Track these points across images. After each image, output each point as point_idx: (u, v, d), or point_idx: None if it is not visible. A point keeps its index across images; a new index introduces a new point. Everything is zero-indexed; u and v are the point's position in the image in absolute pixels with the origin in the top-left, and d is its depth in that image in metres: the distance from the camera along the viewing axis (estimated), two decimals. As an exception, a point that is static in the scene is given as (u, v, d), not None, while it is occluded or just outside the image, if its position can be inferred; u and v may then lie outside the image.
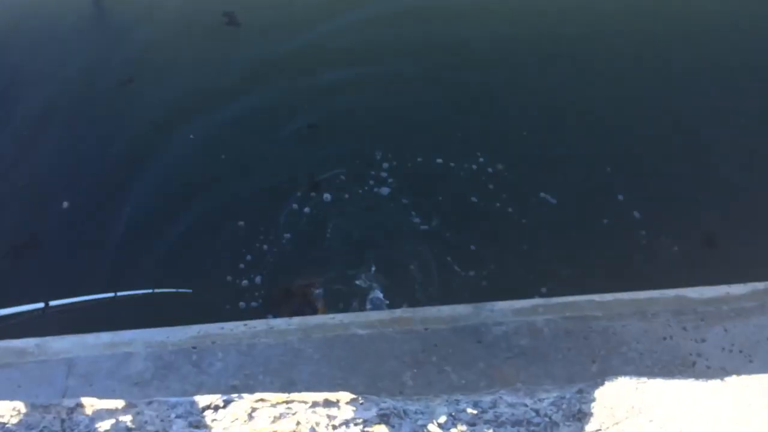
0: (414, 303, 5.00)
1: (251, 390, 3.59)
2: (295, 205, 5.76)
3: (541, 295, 4.86)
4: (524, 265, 5.33)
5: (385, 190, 5.84)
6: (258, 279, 5.43)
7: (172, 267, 5.41)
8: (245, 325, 3.85)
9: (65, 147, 6.15)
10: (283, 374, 3.66)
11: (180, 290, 4.47)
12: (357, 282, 5.17)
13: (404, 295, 5.08)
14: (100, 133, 6.22)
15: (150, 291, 4.15)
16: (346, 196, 5.84)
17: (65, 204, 5.49)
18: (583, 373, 3.76)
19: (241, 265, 5.48)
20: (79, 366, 3.59)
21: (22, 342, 3.71)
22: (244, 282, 5.45)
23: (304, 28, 7.05)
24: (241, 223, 5.60)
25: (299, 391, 3.59)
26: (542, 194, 5.84)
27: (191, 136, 6.08)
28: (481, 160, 6.08)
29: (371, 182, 5.89)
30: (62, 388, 3.53)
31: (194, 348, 3.68)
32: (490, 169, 6.03)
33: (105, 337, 3.72)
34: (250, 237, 5.60)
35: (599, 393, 1.99)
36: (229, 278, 5.46)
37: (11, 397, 3.35)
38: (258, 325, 3.84)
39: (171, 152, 6.14)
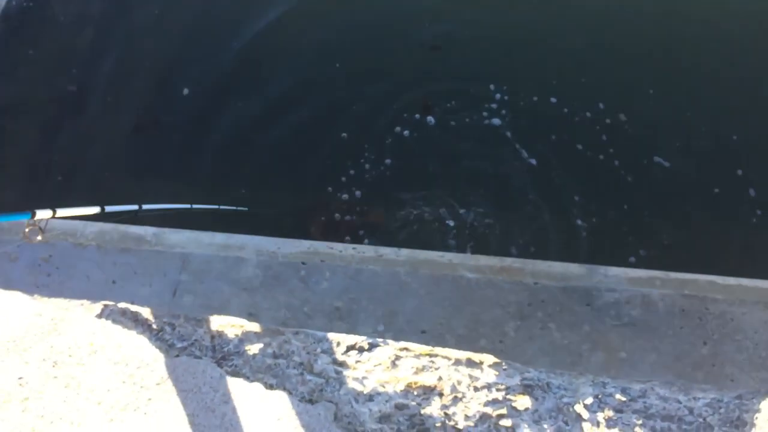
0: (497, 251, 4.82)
1: (354, 314, 3.61)
2: (399, 127, 5.58)
3: (640, 260, 4.64)
4: (623, 225, 5.07)
5: (496, 121, 5.60)
6: (344, 196, 5.25)
7: (266, 169, 5.37)
8: (354, 248, 3.82)
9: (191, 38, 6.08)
10: (387, 304, 3.65)
11: (239, 208, 4.46)
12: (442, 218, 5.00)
13: (487, 240, 4.90)
14: (224, 31, 6.11)
15: (216, 206, 4.15)
16: (454, 123, 5.60)
17: (185, 91, 5.51)
18: (691, 353, 3.62)
19: (329, 179, 5.33)
20: (192, 263, 3.65)
21: (141, 229, 3.79)
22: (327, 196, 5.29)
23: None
24: (344, 134, 5.47)
25: (399, 322, 3.59)
26: (656, 158, 5.49)
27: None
28: (601, 106, 5.71)
29: (483, 114, 5.63)
30: (174, 281, 3.62)
31: (303, 264, 3.68)
32: (608, 120, 5.68)
33: (219, 237, 3.76)
34: (349, 152, 5.46)
35: (765, 405, 1.85)
36: (311, 190, 5.33)
37: (128, 281, 3.45)
38: (367, 250, 3.81)
39: (286, 55, 6.00)
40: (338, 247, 3.84)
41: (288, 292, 3.64)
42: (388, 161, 5.29)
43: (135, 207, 3.05)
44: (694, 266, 4.02)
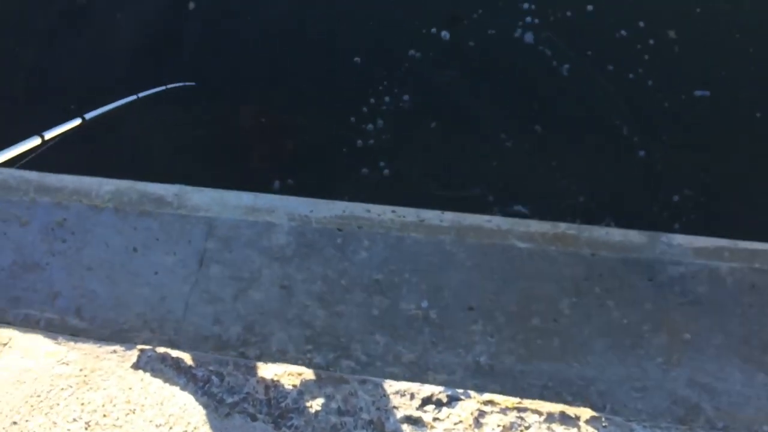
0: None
1: (395, 288, 3.32)
2: (419, 47, 5.05)
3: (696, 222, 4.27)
4: (678, 173, 4.65)
5: (528, 37, 5.05)
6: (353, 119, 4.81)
7: (275, 87, 4.94)
8: (393, 211, 3.48)
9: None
10: (431, 277, 3.35)
11: (186, 84, 4.12)
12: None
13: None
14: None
15: (164, 87, 3.75)
16: (478, 41, 5.05)
17: (191, 5, 5.01)
18: (761, 335, 3.34)
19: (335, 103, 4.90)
20: (219, 228, 3.34)
21: (160, 188, 3.46)
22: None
23: None
24: (357, 59, 4.97)
25: (445, 297, 3.31)
26: (697, 92, 4.94)
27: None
28: (641, 24, 5.11)
29: (515, 28, 5.05)
30: (200, 249, 3.31)
31: (339, 230, 3.36)
32: (651, 41, 5.08)
33: (246, 198, 3.42)
34: (364, 77, 4.97)
35: None
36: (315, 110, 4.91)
37: (150, 249, 3.16)
38: (408, 214, 3.47)
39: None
40: (376, 210, 3.50)
41: (324, 263, 3.34)
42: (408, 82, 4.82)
43: (78, 120, 2.64)
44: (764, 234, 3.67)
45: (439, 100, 4.91)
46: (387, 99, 4.79)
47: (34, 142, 2.23)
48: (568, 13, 5.06)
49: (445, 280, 3.36)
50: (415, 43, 5.03)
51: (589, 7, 5.12)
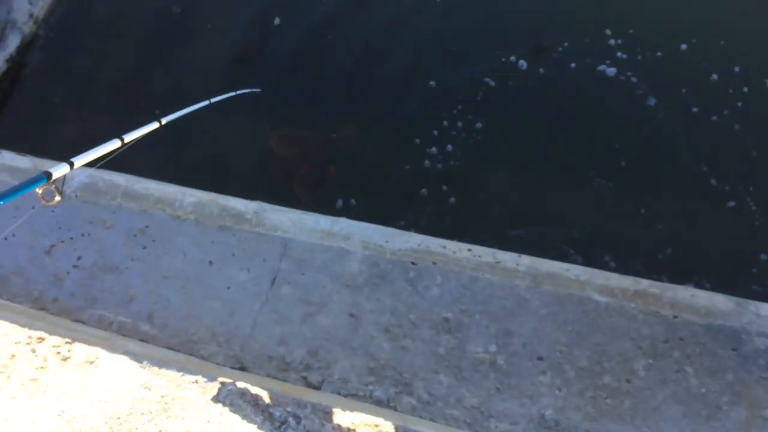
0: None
1: (464, 329, 3.25)
2: (497, 74, 4.96)
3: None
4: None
5: (612, 73, 4.91)
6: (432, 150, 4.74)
7: (349, 109, 4.95)
8: (469, 250, 3.41)
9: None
10: (501, 321, 3.26)
11: (253, 90, 4.27)
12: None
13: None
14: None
15: (234, 93, 3.86)
16: (564, 70, 4.94)
17: (277, 20, 5.11)
18: None
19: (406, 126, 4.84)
20: (294, 250, 3.34)
21: (240, 204, 3.49)
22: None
23: None
24: (432, 83, 4.93)
25: (514, 344, 3.21)
26: None
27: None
28: (736, 70, 4.89)
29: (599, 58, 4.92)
30: (274, 268, 3.32)
31: (413, 264, 3.31)
32: (745, 89, 4.85)
33: (324, 222, 3.42)
34: (438, 101, 4.92)
35: None
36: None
37: (225, 264, 3.18)
38: (483, 254, 3.39)
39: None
40: (451, 246, 3.44)
41: (394, 295, 3.29)
42: (484, 111, 4.74)
43: (155, 124, 2.71)
44: None
45: (514, 132, 4.82)
46: (459, 124, 4.74)
47: (114, 144, 2.30)
48: (659, 53, 4.91)
49: (516, 325, 3.27)
50: (493, 70, 4.97)
51: (683, 46, 4.95)
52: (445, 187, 4.51)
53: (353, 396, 3.13)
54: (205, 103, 3.35)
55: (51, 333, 1.90)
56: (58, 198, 2.04)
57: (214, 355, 3.26)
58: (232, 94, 3.84)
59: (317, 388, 3.15)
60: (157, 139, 2.77)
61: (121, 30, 5.53)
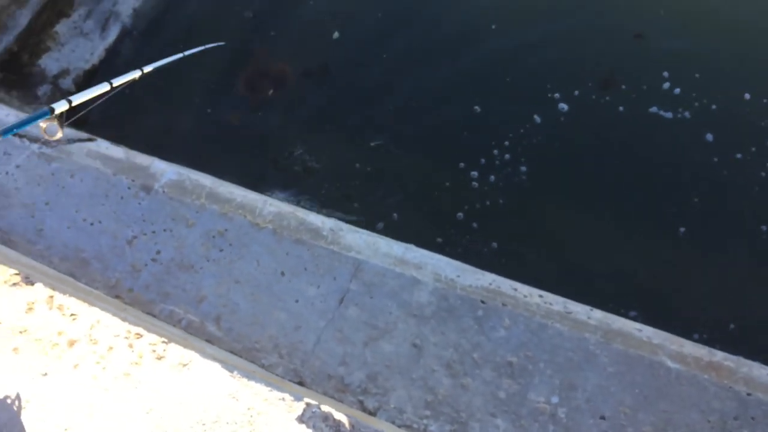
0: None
1: (527, 375, 3.19)
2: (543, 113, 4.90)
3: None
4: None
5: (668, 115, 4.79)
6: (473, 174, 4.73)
7: (399, 125, 4.97)
8: (541, 296, 3.36)
9: None
10: (566, 373, 3.19)
11: (218, 44, 4.59)
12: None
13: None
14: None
15: (202, 47, 4.21)
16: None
17: (336, 35, 5.20)
18: None
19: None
20: (365, 273, 3.35)
21: (318, 220, 3.53)
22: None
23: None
24: (477, 107, 4.87)
25: (577, 399, 3.13)
26: None
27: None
28: None
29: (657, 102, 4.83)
30: (343, 288, 3.34)
31: (482, 303, 3.28)
32: None
33: (397, 249, 3.42)
34: (482, 132, 4.89)
35: None
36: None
37: (297, 277, 3.20)
38: (554, 302, 3.33)
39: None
40: (523, 290, 3.39)
41: (460, 331, 3.26)
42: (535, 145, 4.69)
43: (137, 72, 3.02)
44: None
45: (562, 174, 4.74)
46: (507, 156, 4.70)
47: (104, 87, 2.50)
48: (715, 105, 4.78)
49: (581, 380, 3.20)
50: (539, 108, 4.92)
51: (746, 96, 4.82)
52: (504, 225, 4.47)
53: (407, 427, 3.11)
54: (179, 55, 3.67)
55: (149, 331, 1.94)
56: (60, 134, 2.24)
57: (275, 366, 3.29)
58: (201, 48, 4.19)
59: (372, 414, 3.14)
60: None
61: (206, 31, 5.70)
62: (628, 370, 3.19)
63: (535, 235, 4.36)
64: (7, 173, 3.42)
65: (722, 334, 3.91)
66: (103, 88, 2.63)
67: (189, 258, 3.36)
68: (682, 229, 4.38)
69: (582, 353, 3.23)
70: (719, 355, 3.28)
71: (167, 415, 1.73)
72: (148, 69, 3.08)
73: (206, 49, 4.33)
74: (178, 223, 3.43)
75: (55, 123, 2.16)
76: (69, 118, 2.30)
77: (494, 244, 4.33)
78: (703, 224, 4.41)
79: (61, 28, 5.57)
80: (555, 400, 3.14)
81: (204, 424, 1.74)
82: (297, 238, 3.42)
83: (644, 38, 5.17)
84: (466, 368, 3.21)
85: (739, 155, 4.59)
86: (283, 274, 3.36)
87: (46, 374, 1.75)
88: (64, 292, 1.99)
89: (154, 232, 3.41)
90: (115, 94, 5.35)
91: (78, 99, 2.43)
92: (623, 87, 4.93)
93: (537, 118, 4.87)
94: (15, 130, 1.94)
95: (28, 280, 1.99)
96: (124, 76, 2.86)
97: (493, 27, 5.30)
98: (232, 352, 3.29)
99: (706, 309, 4.10)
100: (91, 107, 2.57)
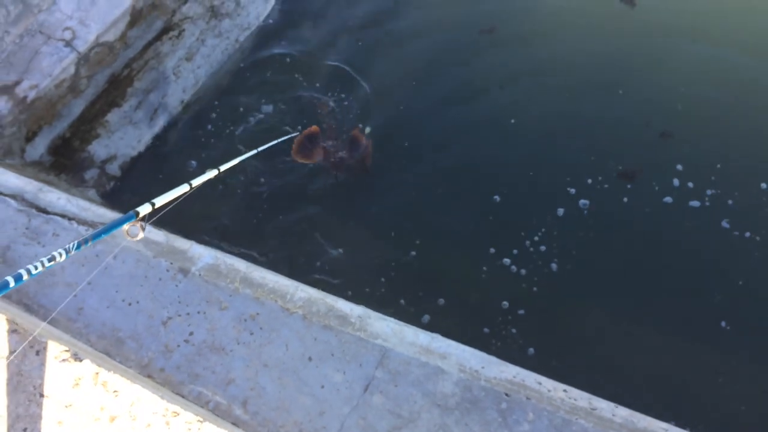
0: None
1: (552, 472, 3.15)
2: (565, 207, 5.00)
3: None
4: None
5: (695, 204, 4.83)
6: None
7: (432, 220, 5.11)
8: (565, 391, 3.37)
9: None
10: (592, 472, 3.14)
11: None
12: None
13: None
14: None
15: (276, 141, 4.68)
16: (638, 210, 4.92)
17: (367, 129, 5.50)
18: None
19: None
20: (391, 361, 3.41)
21: (346, 306, 3.63)
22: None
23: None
24: (497, 198, 4.99)
25: (602, 498, 3.07)
26: None
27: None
28: None
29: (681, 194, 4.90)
30: (369, 375, 3.39)
31: (507, 395, 3.29)
32: None
33: (423, 338, 3.49)
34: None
35: None
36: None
37: (323, 362, 3.26)
38: (579, 398, 3.33)
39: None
40: (548, 385, 3.41)
41: (483, 424, 3.27)
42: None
43: (215, 171, 3.23)
44: None
45: (591, 272, 4.80)
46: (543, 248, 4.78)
47: (184, 189, 2.65)
48: (736, 194, 4.85)
49: (606, 480, 3.15)
50: (560, 203, 5.05)
51: (763, 185, 4.89)
52: (528, 314, 4.53)
53: None
54: (254, 152, 4.00)
55: (186, 409, 2.04)
56: (141, 235, 2.37)
57: (298, 452, 3.31)
58: (277, 141, 4.65)
59: (394, 505, 3.12)
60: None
61: (244, 123, 6.05)
62: (655, 471, 3.15)
63: (560, 330, 4.40)
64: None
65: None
66: (183, 189, 2.81)
67: (220, 340, 3.47)
68: (714, 326, 4.38)
69: (607, 451, 3.21)
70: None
71: (199, 494, 1.80)
72: (224, 167, 3.30)
73: (280, 143, 4.65)
74: (212, 305, 3.56)
75: (138, 225, 2.32)
76: (149, 219, 2.47)
77: (518, 337, 4.38)
78: (736, 321, 4.42)
79: (112, 117, 5.94)
80: (579, 499, 3.10)
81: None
82: (325, 324, 3.52)
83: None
84: (489, 462, 3.20)
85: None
86: (310, 359, 3.44)
87: (87, 448, 1.84)
88: (108, 369, 2.11)
89: (188, 314, 3.54)
90: (162, 175, 5.63)
91: (160, 201, 2.60)
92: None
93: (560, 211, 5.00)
94: (102, 235, 2.09)
95: (77, 357, 2.11)
96: (202, 176, 3.08)
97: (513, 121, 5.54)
98: (257, 436, 3.33)
99: (735, 412, 4.05)
100: (170, 207, 2.74)
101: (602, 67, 6.01)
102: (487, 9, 6.65)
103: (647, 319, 4.58)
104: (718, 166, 5.20)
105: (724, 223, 4.92)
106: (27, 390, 2.05)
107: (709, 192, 5.14)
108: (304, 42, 6.82)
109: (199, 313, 3.57)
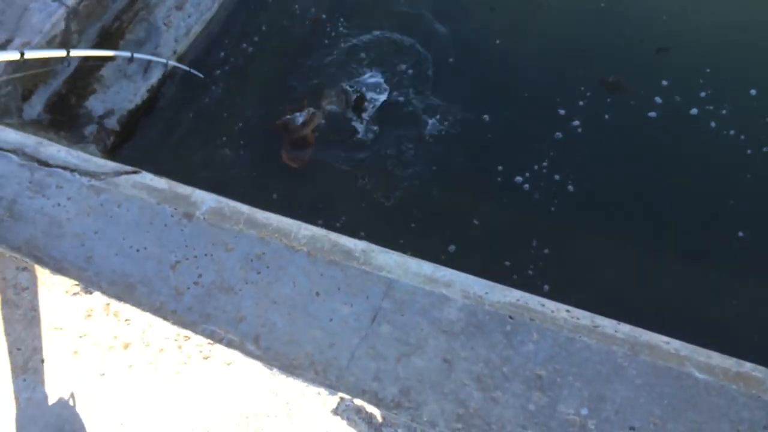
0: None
1: (556, 388, 3.27)
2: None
3: None
4: None
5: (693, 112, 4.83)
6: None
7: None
8: (568, 311, 3.45)
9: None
10: (595, 386, 3.26)
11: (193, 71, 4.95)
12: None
13: None
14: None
15: (165, 61, 4.72)
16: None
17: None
18: None
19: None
20: (396, 291, 3.49)
21: (350, 242, 3.69)
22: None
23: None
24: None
25: (606, 410, 3.20)
26: None
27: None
28: None
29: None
30: (375, 306, 3.48)
31: (510, 318, 3.38)
32: None
33: (426, 268, 3.57)
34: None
35: None
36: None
37: (331, 296, 3.34)
38: (582, 317, 3.42)
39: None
40: (550, 306, 3.49)
41: (489, 346, 3.37)
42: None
43: (62, 52, 3.30)
44: None
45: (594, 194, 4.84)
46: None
47: (15, 56, 2.73)
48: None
49: (610, 392, 3.26)
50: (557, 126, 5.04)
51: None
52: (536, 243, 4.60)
53: (440, 440, 3.21)
54: (127, 54, 4.16)
55: (196, 333, 2.12)
56: None
57: (311, 381, 3.42)
58: (164, 60, 4.68)
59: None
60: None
61: (244, 75, 6.02)
62: (657, 381, 3.25)
63: (560, 253, 4.47)
64: (59, 205, 3.67)
65: (752, 348, 3.93)
66: (14, 55, 2.80)
67: (229, 281, 3.54)
68: (711, 246, 4.44)
69: (610, 366, 3.31)
70: (747, 366, 3.32)
71: (214, 409, 1.89)
72: (76, 53, 3.29)
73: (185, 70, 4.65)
74: (218, 247, 3.63)
75: None
76: None
77: (519, 263, 4.45)
78: (731, 239, 4.47)
79: (106, 71, 5.91)
80: (584, 411, 3.21)
81: (247, 417, 1.89)
82: (330, 260, 3.59)
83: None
84: (496, 382, 3.31)
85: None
86: (317, 294, 3.52)
87: (103, 374, 1.92)
88: (119, 300, 2.18)
89: (195, 257, 3.61)
90: (159, 128, 5.64)
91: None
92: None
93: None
94: None
95: (87, 290, 2.19)
96: (43, 51, 3.05)
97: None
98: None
99: (735, 324, 4.14)
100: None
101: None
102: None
103: (650, 241, 4.64)
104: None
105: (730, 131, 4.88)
106: (42, 324, 2.12)
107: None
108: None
109: (206, 255, 3.64)
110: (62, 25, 5.82)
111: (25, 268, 2.27)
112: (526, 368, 3.33)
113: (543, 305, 3.49)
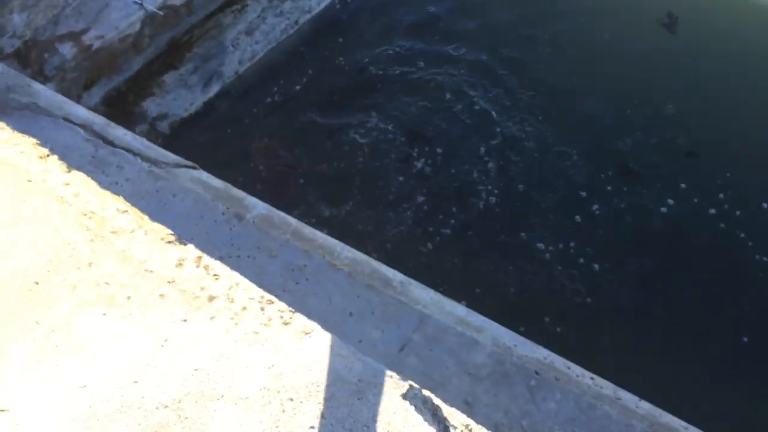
0: None
1: (573, 450, 3.25)
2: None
3: None
4: None
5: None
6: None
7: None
8: (592, 378, 3.48)
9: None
10: (611, 455, 3.25)
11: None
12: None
13: None
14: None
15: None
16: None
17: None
18: None
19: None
20: (428, 326, 3.53)
21: (389, 271, 3.75)
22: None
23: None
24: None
25: (618, 482, 3.17)
26: None
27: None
28: None
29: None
30: (405, 337, 3.51)
31: (536, 373, 3.41)
32: None
33: (460, 310, 3.62)
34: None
35: None
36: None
37: (363, 319, 3.38)
38: (605, 386, 3.45)
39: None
40: (575, 370, 3.52)
41: (511, 397, 3.38)
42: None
43: None
44: None
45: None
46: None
47: None
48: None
49: (625, 464, 3.26)
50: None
51: None
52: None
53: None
54: None
55: (280, 299, 2.18)
56: None
57: (330, 399, 3.42)
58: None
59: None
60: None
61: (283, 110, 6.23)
62: (672, 463, 3.25)
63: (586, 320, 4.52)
64: (116, 183, 3.77)
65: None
66: None
67: (267, 285, 3.58)
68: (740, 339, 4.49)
69: (628, 439, 3.31)
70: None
71: (286, 373, 1.92)
72: None
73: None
74: (262, 252, 3.70)
75: None
76: None
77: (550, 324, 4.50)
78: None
79: (168, 78, 6.13)
80: (598, 479, 3.20)
81: (318, 385, 1.93)
82: (369, 284, 3.65)
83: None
84: (513, 433, 3.31)
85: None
86: (351, 314, 3.56)
87: (185, 320, 1.96)
88: (211, 255, 2.25)
89: (239, 256, 3.67)
90: (212, 136, 5.78)
91: None
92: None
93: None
94: None
95: (181, 241, 2.25)
96: None
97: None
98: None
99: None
100: None
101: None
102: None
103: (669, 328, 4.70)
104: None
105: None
106: (133, 263, 2.18)
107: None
108: (358, 33, 7.03)
109: (249, 257, 3.71)
110: (137, 27, 6.08)
111: (126, 211, 2.35)
112: (546, 425, 3.33)
113: (569, 368, 3.53)
